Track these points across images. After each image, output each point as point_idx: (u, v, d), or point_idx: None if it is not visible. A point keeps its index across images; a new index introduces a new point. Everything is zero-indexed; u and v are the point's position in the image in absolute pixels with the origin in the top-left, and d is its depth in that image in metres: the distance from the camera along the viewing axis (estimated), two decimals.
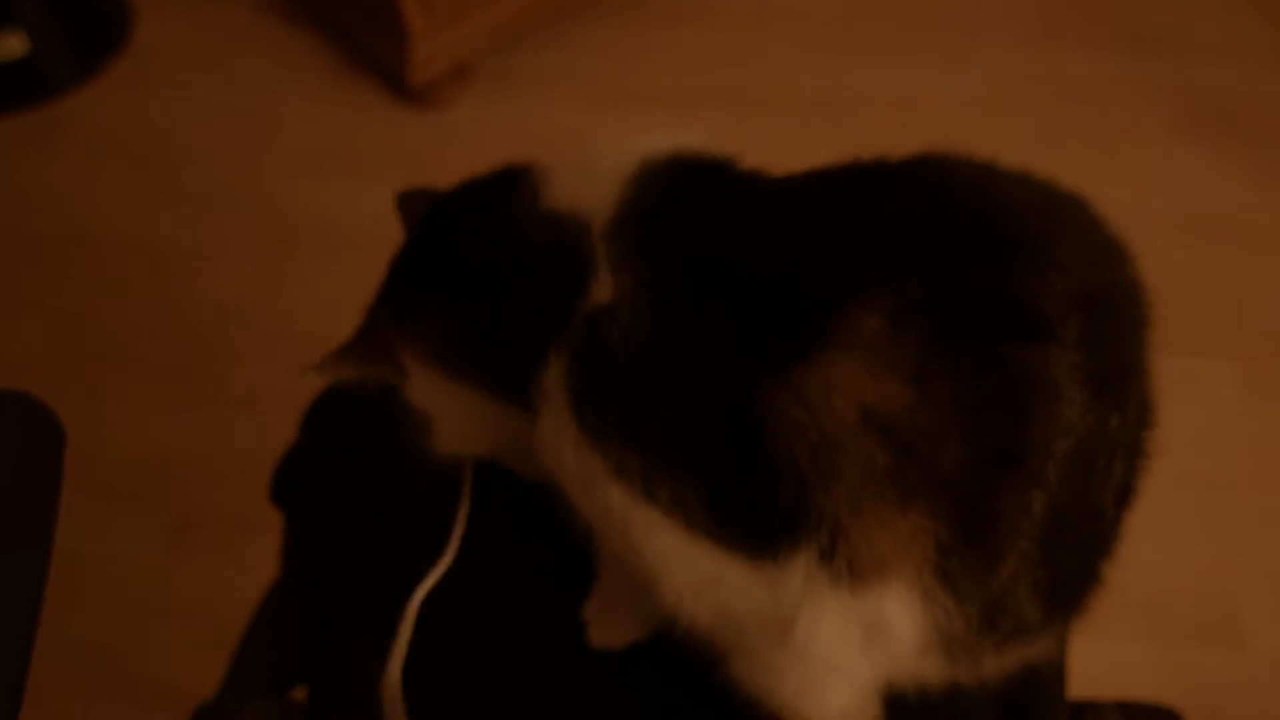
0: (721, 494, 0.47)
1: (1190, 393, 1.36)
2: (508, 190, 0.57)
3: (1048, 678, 0.63)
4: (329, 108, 1.71)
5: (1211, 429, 1.36)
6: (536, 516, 0.59)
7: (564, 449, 0.50)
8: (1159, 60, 1.75)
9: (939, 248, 0.47)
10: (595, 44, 1.77)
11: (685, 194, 0.53)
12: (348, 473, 0.68)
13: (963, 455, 0.44)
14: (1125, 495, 0.50)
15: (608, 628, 0.63)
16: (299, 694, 0.72)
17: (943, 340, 0.45)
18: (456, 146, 1.63)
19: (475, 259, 0.56)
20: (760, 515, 0.46)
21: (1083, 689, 0.68)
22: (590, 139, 1.77)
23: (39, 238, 1.59)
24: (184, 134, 1.69)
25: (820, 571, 0.45)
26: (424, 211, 0.61)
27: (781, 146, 1.61)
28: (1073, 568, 0.48)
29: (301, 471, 0.70)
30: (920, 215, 0.49)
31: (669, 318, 0.48)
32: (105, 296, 1.51)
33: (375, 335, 0.58)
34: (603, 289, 0.50)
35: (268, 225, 1.58)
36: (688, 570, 0.49)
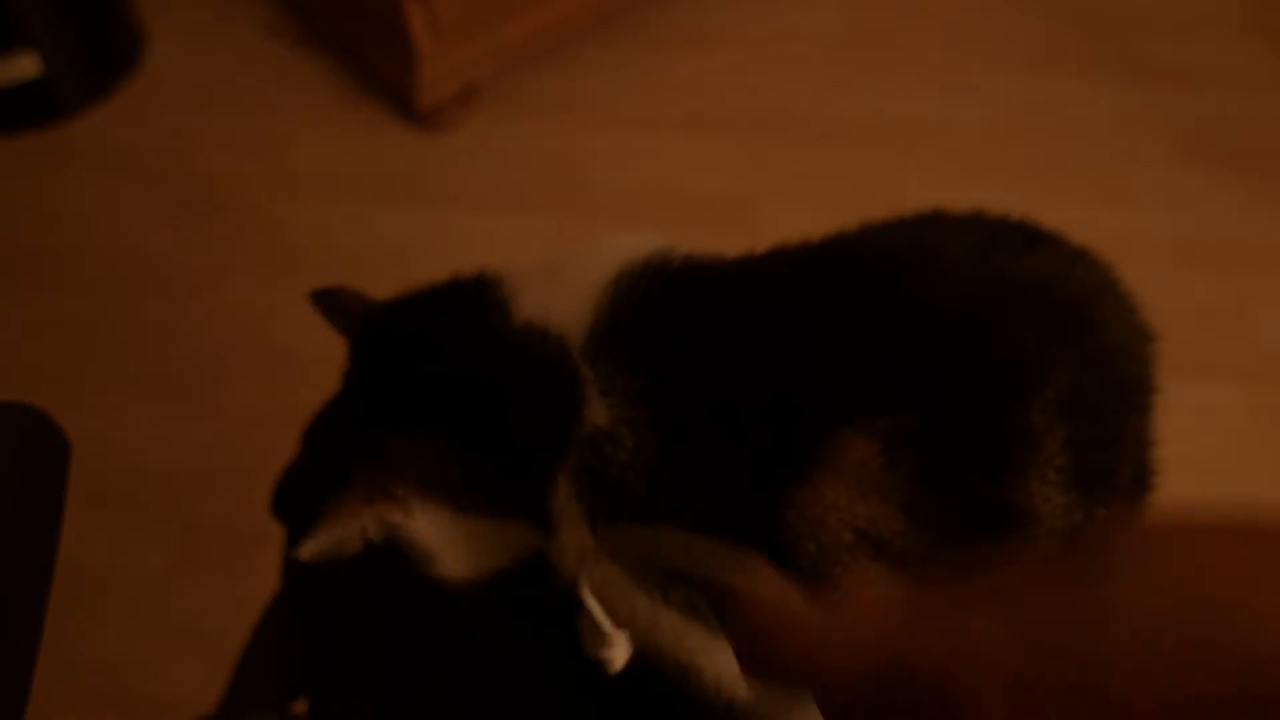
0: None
1: (1194, 415, 1.36)
2: (473, 304, 0.55)
3: None
4: (337, 129, 1.73)
5: (1216, 451, 1.35)
6: None
7: (585, 561, 0.51)
8: (1160, 88, 1.76)
9: (932, 364, 0.49)
10: (600, 67, 1.79)
11: (664, 303, 0.52)
12: None
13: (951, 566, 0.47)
14: None
15: None
16: (299, 707, 0.72)
17: (932, 469, 0.48)
18: (463, 168, 1.64)
19: (459, 385, 0.53)
20: None
21: None
22: (596, 162, 1.77)
23: (50, 254, 1.60)
24: (193, 154, 1.71)
25: None
26: (373, 332, 0.57)
27: (782, 168, 1.62)
28: None
29: (302, 485, 0.70)
30: (914, 322, 0.50)
31: (671, 440, 0.49)
32: (114, 313, 1.53)
33: (363, 485, 0.54)
34: (596, 410, 0.50)
35: (275, 245, 1.59)
36: (716, 665, 0.51)
